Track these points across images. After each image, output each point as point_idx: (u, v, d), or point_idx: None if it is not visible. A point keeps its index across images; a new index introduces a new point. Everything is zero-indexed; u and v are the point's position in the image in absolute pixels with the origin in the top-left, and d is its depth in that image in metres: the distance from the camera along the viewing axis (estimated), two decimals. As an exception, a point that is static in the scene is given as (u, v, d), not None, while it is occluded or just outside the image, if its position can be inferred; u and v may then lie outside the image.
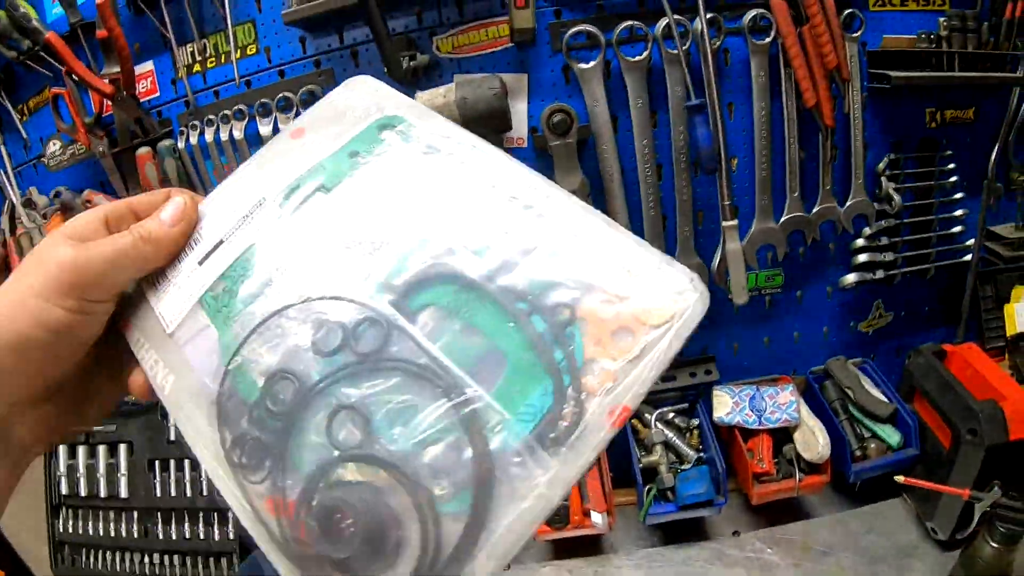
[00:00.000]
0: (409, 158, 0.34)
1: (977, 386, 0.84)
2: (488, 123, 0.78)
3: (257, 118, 0.87)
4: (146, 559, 0.99)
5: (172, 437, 0.95)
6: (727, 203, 0.79)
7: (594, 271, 0.28)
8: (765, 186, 0.82)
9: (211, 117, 0.89)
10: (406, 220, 0.32)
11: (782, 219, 0.84)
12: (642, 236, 0.80)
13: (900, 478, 0.80)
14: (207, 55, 0.92)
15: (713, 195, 0.80)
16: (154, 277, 0.35)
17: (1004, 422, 0.78)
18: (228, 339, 0.32)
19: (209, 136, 0.89)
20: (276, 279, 0.32)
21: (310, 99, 0.86)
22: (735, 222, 0.78)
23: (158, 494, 0.96)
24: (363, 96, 0.38)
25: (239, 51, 0.89)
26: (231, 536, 0.92)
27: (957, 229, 0.93)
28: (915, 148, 0.91)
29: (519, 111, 0.81)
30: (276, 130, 0.87)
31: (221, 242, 0.35)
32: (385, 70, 0.80)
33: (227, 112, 0.88)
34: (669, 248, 0.82)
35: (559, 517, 0.80)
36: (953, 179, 0.92)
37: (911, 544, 0.87)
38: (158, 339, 0.34)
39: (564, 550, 0.86)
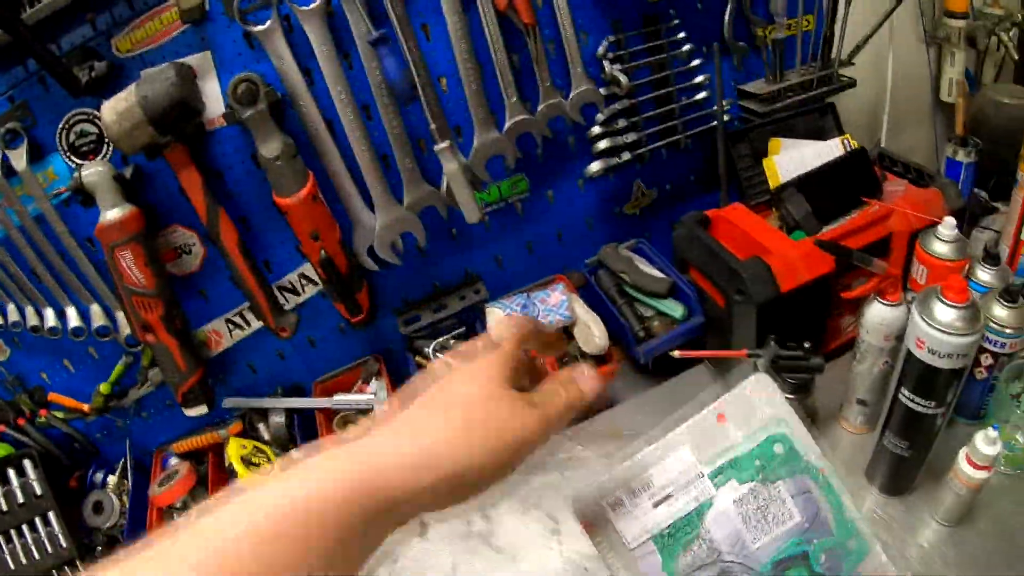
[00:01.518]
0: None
1: (744, 245, 0.85)
2: (175, 115, 0.77)
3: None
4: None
5: (3, 507, 0.94)
6: (434, 126, 0.78)
7: None
8: (479, 99, 0.82)
9: (-72, 184, 0.87)
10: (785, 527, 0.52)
11: (506, 126, 0.83)
12: (363, 181, 0.81)
13: (676, 353, 0.81)
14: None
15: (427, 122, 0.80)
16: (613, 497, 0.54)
17: (771, 277, 0.79)
18: (671, 568, 0.52)
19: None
20: (705, 538, 0.52)
21: (13, 136, 0.84)
22: (447, 143, 0.78)
23: (11, 566, 0.96)
24: (764, 399, 0.57)
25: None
26: (84, 584, 0.93)
27: (701, 96, 0.94)
28: (639, 25, 0.91)
29: (212, 90, 0.79)
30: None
31: (669, 496, 0.54)
32: (65, 92, 0.79)
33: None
34: (395, 186, 0.81)
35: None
36: (687, 47, 0.93)
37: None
38: (619, 548, 0.53)
39: None
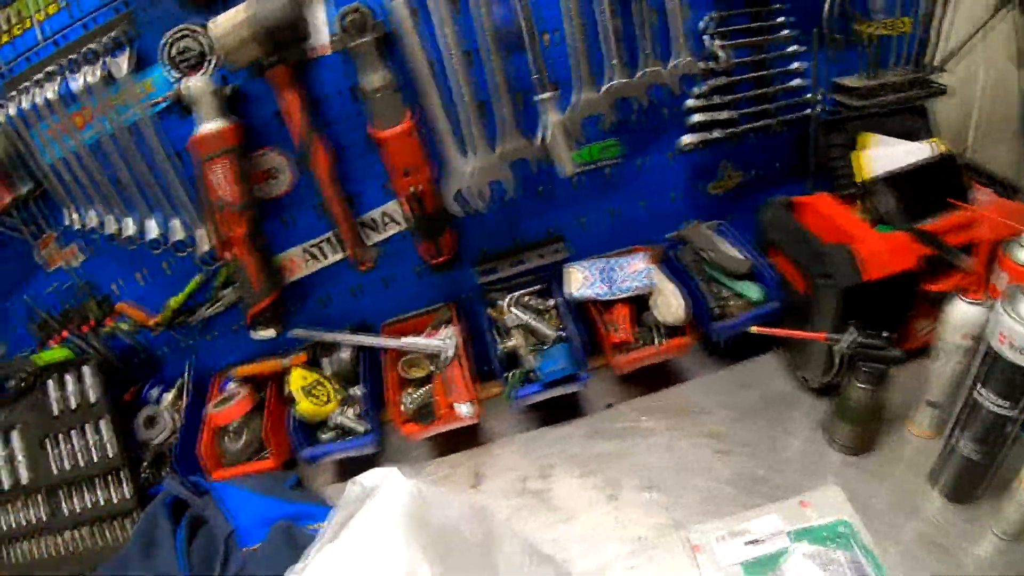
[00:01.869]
0: None
1: (830, 232, 0.84)
2: (284, 34, 0.77)
3: (68, 75, 0.86)
4: (59, 539, 1.00)
5: (55, 412, 0.95)
6: (537, 77, 0.78)
7: None
8: (583, 56, 0.81)
9: (27, 84, 0.88)
10: None
11: (604, 87, 0.83)
12: (458, 125, 0.81)
13: (754, 328, 0.81)
14: (12, 24, 0.90)
15: (530, 74, 0.80)
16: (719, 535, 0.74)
17: (856, 264, 0.78)
18: None
19: (26, 104, 0.87)
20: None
21: (116, 45, 0.85)
22: (549, 94, 0.78)
23: (55, 471, 0.97)
24: (837, 503, 0.75)
25: (42, 12, 0.88)
26: (128, 495, 0.93)
27: (796, 82, 0.93)
28: (743, 4, 0.90)
29: (318, 18, 0.79)
30: (87, 84, 0.86)
31: (758, 541, 0.72)
32: (179, 3, 0.79)
33: (39, 76, 0.87)
34: (492, 133, 0.81)
35: (426, 414, 0.81)
36: (786, 32, 0.92)
37: (786, 394, 0.89)
38: (715, 565, 0.70)
39: (445, 447, 0.87)
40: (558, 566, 0.71)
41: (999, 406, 0.65)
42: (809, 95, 0.92)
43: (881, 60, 0.99)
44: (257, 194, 0.83)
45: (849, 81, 0.98)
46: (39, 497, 1.01)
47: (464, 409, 0.79)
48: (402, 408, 0.83)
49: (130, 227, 0.86)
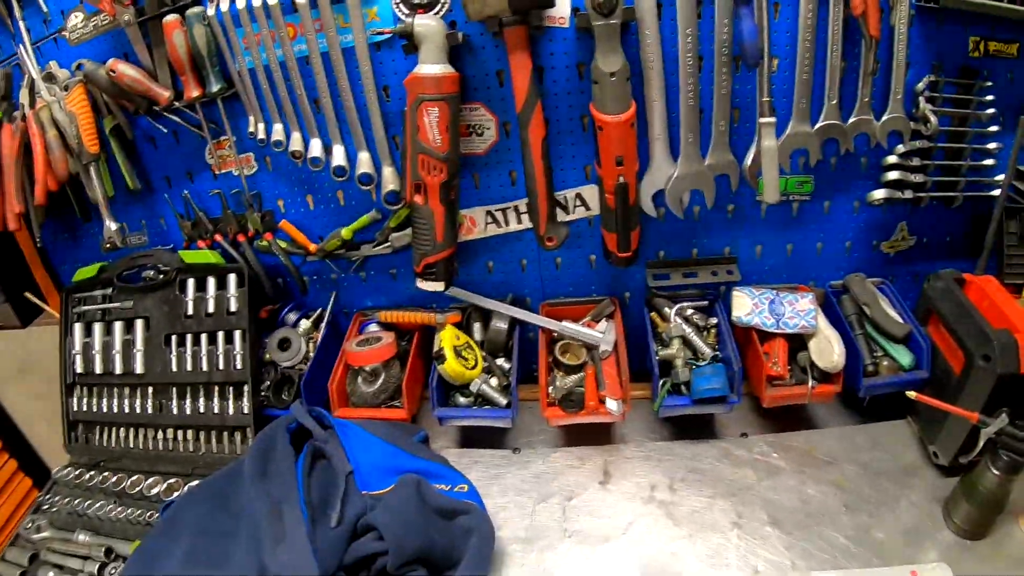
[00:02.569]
0: None
1: (993, 316, 0.84)
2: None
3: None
4: (159, 435, 1.00)
5: (190, 311, 0.95)
6: (766, 100, 0.78)
7: None
8: (805, 89, 0.81)
9: (246, -16, 0.87)
10: None
11: (817, 125, 0.83)
12: (677, 127, 0.81)
13: (912, 394, 0.81)
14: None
15: (750, 94, 0.80)
16: None
17: (1018, 352, 0.78)
18: None
19: (241, 3, 0.87)
20: None
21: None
22: (773, 119, 0.78)
23: (174, 369, 0.97)
24: None
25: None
26: (245, 411, 0.93)
27: (989, 162, 0.93)
28: (956, 74, 0.90)
29: (563, -9, 0.80)
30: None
31: None
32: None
33: (262, -21, 0.86)
34: (702, 142, 0.81)
35: (574, 403, 0.81)
36: (991, 111, 0.92)
37: (913, 464, 0.89)
38: None
39: (576, 437, 0.87)
40: None
41: None
42: (999, 176, 0.92)
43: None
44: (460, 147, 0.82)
45: (1033, 172, 0.98)
46: (149, 390, 1.01)
47: (614, 406, 0.79)
48: (549, 391, 0.83)
49: (316, 149, 0.86)
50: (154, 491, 0.94)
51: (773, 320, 0.83)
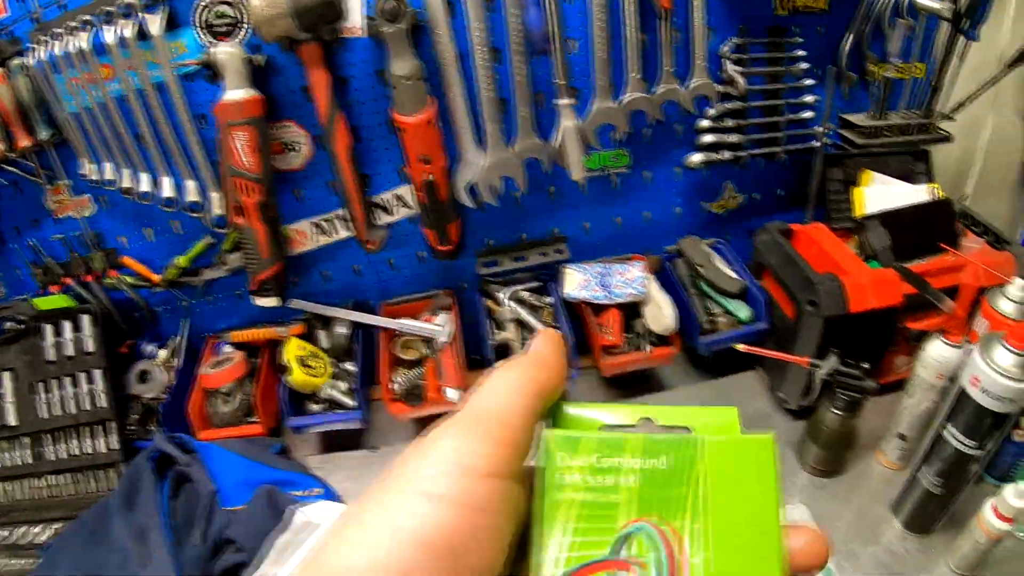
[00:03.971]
0: None
1: (821, 263, 0.87)
2: (319, 15, 0.79)
3: (102, 27, 0.87)
4: (41, 482, 1.01)
5: (51, 357, 0.96)
6: (561, 82, 0.80)
7: None
8: (604, 67, 0.84)
9: (58, 30, 0.89)
10: None
11: (622, 99, 0.86)
12: (480, 120, 0.83)
13: (740, 346, 0.84)
14: (49, -31, 0.91)
15: (552, 78, 0.82)
16: None
17: (844, 295, 0.81)
18: None
19: (58, 50, 0.89)
20: None
21: (153, 2, 0.86)
22: (569, 100, 0.80)
23: (44, 415, 0.98)
24: None
25: (80, -39, 0.89)
26: (115, 446, 0.94)
27: (807, 115, 0.96)
28: (764, 34, 0.93)
29: (354, 1, 0.82)
30: (120, 38, 0.87)
31: None
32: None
33: (72, 24, 0.88)
34: (509, 130, 0.83)
35: (416, 396, 0.83)
36: (803, 65, 0.95)
37: (763, 412, 0.92)
38: None
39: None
40: None
41: (964, 444, 0.69)
42: (817, 128, 0.95)
43: (891, 102, 1.02)
44: (274, 163, 0.84)
45: (856, 119, 1.01)
46: (25, 440, 1.03)
47: (452, 394, 0.81)
48: (392, 387, 0.85)
49: (145, 183, 0.88)
50: (42, 539, 0.95)
51: (603, 292, 0.85)
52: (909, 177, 1.02)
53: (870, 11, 0.95)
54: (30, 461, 1.02)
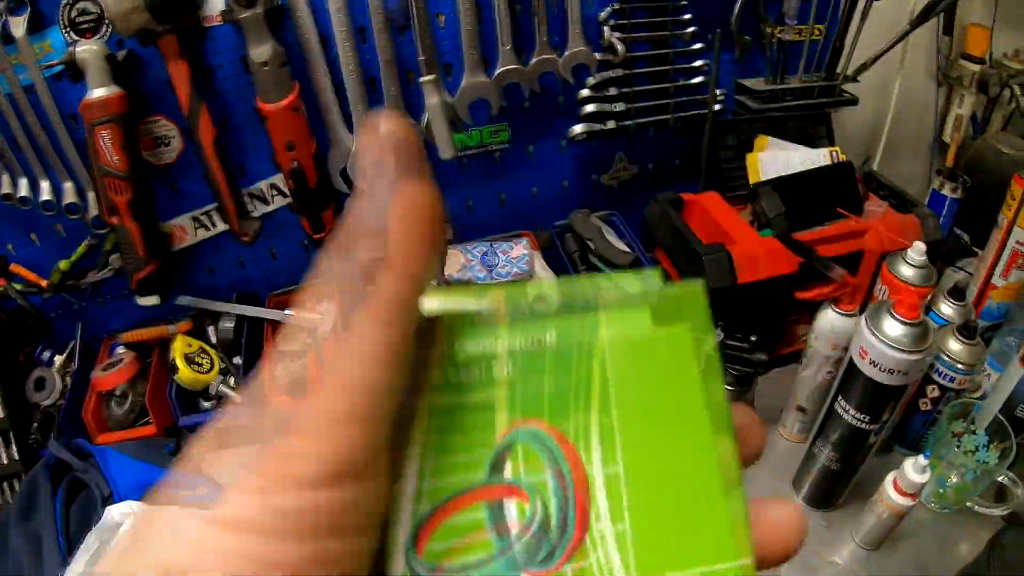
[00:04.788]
0: None
1: (712, 233, 0.85)
2: (174, 6, 0.78)
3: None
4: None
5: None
6: (422, 59, 0.79)
7: None
8: (473, 40, 0.82)
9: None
10: None
11: (495, 72, 0.84)
12: (346, 102, 0.82)
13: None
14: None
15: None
16: None
17: (731, 266, 0.79)
18: None
19: (-71, 59, 0.88)
20: None
21: (17, 4, 0.85)
22: (432, 76, 0.79)
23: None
24: None
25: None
26: (15, 456, 0.94)
27: (696, 80, 0.94)
28: (648, -1, 0.92)
29: (213, -12, 0.81)
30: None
31: None
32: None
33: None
34: (374, 108, 0.82)
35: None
36: (691, 30, 0.93)
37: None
38: None
39: None
40: None
41: (857, 419, 0.66)
42: (708, 95, 0.93)
43: (790, 66, 1.00)
44: (148, 159, 0.84)
45: (752, 84, 1.00)
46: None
47: (336, 383, 0.80)
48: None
49: (24, 188, 0.87)
50: (-45, 553, 0.95)
51: (486, 271, 0.84)
52: (810, 142, 1.00)
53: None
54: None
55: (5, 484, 0.97)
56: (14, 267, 0.92)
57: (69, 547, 0.79)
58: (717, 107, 0.93)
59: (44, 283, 0.90)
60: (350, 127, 0.82)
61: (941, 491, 0.75)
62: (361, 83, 0.80)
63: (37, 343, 0.96)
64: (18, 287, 0.92)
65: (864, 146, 1.16)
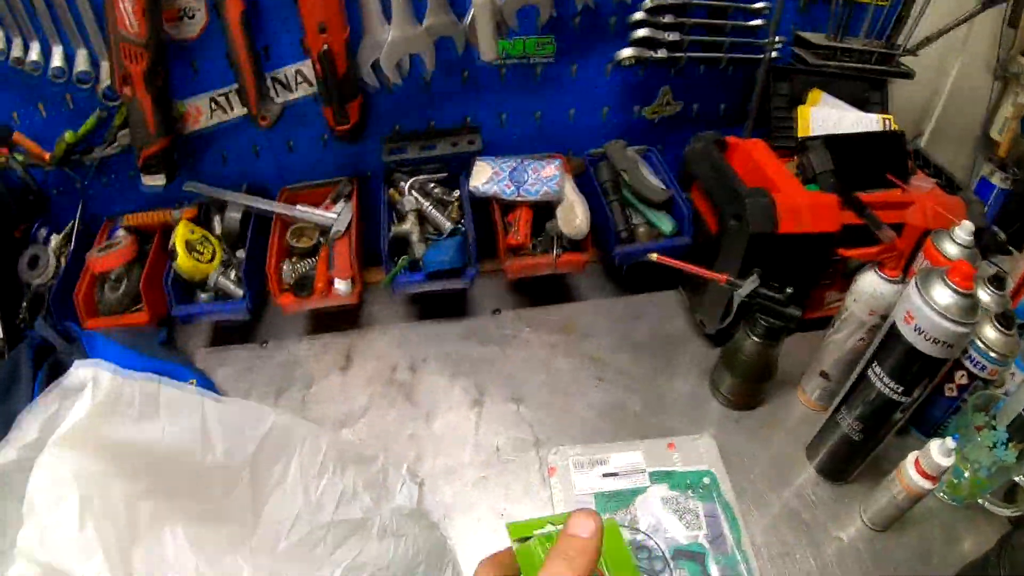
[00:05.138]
0: None
1: (755, 179, 0.80)
2: None
3: None
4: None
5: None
6: (474, -48, 0.74)
7: None
8: (527, -58, 0.78)
9: None
10: None
11: (546, -23, 0.79)
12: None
13: (653, 256, 0.77)
14: None
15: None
16: (579, 460, 0.72)
17: (773, 213, 0.74)
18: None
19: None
20: (632, 511, 0.68)
21: None
22: (481, -27, 0.74)
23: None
24: (704, 452, 0.75)
25: None
26: (1, 335, 0.90)
27: (755, 23, 0.89)
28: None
29: None
30: None
31: (616, 474, 0.71)
32: None
33: None
34: (419, 10, 0.77)
35: (305, 286, 0.78)
36: (758, -33, 0.88)
37: (680, 335, 0.86)
38: (568, 488, 0.69)
39: (323, 326, 0.85)
40: (368, 466, 0.63)
41: (890, 388, 0.62)
42: (767, 40, 0.88)
43: (852, 27, 0.95)
44: (168, 31, 0.79)
45: (812, 37, 0.94)
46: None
47: (342, 286, 0.76)
48: (282, 277, 0.80)
49: (35, 52, 0.82)
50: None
51: (513, 187, 0.79)
52: (862, 104, 0.95)
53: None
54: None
55: (-7, 361, 0.95)
56: (17, 136, 0.87)
57: (47, 427, 0.76)
58: (774, 54, 0.88)
59: (47, 156, 0.86)
60: (387, 16, 0.77)
61: (956, 482, 0.71)
62: (408, -24, 0.75)
63: (35, 220, 0.92)
64: (20, 158, 0.88)
65: (912, 123, 1.11)
